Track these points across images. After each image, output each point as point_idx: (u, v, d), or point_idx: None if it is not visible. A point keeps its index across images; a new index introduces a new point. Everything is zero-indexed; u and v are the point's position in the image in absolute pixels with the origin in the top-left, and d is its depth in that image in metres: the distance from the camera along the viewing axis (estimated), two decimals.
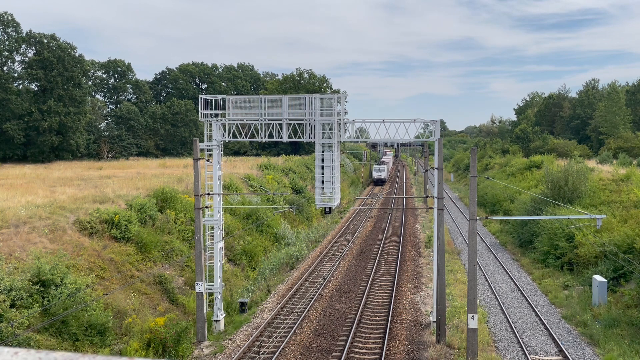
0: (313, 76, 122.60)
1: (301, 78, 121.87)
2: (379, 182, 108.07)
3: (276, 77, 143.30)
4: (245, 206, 43.29)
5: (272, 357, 23.55)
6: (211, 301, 28.26)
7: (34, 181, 42.14)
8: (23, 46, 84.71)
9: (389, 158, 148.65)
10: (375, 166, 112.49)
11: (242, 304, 30.16)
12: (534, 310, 29.83)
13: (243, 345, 24.78)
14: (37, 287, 20.56)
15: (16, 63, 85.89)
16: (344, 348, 24.23)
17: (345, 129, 27.46)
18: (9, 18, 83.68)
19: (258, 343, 25.29)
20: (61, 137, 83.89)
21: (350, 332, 26.26)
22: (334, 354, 24.16)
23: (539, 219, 39.79)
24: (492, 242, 50.21)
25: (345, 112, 27.67)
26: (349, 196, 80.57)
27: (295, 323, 27.73)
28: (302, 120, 27.16)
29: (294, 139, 27.60)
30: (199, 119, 28.08)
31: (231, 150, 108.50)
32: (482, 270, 38.64)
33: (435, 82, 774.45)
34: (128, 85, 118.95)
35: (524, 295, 32.69)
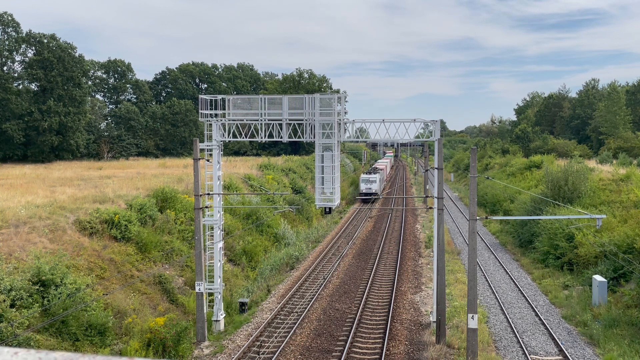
0: (313, 76, 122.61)
1: (301, 78, 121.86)
2: (368, 198, 76.08)
3: (276, 77, 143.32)
4: (245, 206, 43.28)
5: (272, 357, 23.55)
6: (211, 301, 28.26)
7: (34, 181, 42.12)
8: (23, 46, 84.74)
9: (384, 163, 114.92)
10: (363, 176, 79.88)
11: (242, 304, 30.16)
12: (534, 310, 29.82)
13: (243, 345, 24.78)
14: (37, 287, 20.56)
15: (16, 63, 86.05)
16: (344, 348, 24.23)
17: (345, 129, 27.46)
18: (9, 18, 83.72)
19: (258, 343, 25.29)
20: (61, 137, 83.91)
21: (350, 332, 26.25)
22: (334, 354, 24.15)
23: (539, 219, 39.78)
24: (492, 242, 50.20)
25: (345, 112, 27.68)
26: (349, 196, 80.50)
27: (295, 323, 27.72)
28: (302, 120, 27.16)
29: (294, 139, 27.61)
30: (199, 119, 28.08)
31: (231, 150, 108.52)
32: (482, 270, 38.63)
33: (435, 82, 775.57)
34: (128, 85, 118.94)
35: (524, 295, 32.68)
